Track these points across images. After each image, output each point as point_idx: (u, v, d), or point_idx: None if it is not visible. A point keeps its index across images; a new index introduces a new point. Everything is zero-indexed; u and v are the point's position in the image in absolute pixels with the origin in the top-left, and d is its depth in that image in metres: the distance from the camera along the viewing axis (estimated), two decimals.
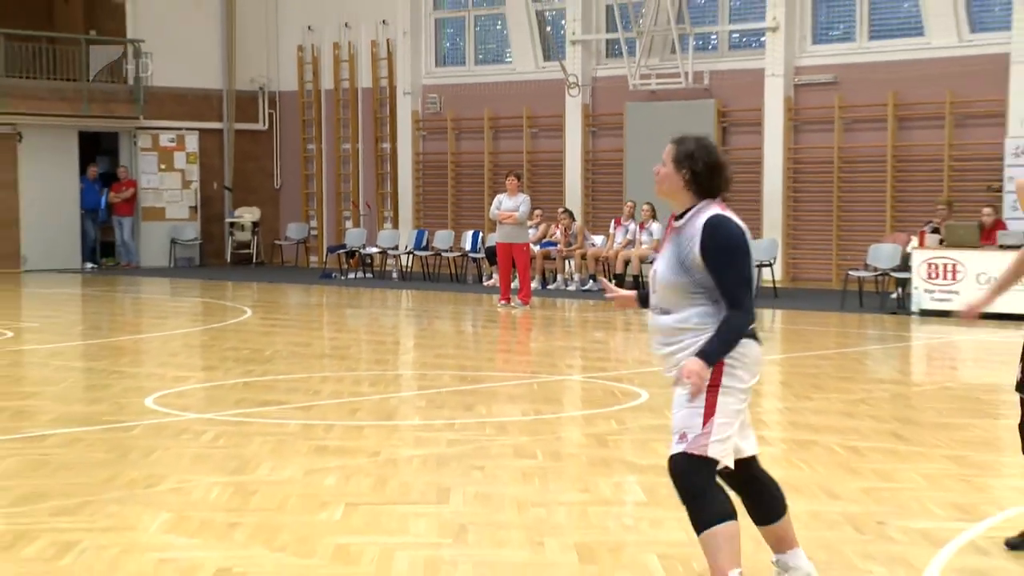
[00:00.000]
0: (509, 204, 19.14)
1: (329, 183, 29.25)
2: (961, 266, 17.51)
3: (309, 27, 29.08)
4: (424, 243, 25.73)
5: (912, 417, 10.15)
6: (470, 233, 25.18)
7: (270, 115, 29.97)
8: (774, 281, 21.10)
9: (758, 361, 5.19)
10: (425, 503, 7.09)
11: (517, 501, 7.10)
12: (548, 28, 26.16)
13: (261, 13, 29.49)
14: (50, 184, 27.14)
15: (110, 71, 27.94)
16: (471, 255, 24.73)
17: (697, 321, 5.06)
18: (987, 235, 17.88)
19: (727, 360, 5.04)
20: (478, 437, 9.05)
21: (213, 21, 29.07)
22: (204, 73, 28.93)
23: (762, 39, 23.21)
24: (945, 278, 17.62)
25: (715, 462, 5.05)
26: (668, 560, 5.78)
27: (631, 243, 21.80)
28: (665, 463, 5.12)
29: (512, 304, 19.14)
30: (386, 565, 5.89)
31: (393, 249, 25.70)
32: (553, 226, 23.12)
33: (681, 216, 5.14)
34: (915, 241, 18.36)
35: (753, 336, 5.14)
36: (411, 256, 25.71)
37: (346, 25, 28.57)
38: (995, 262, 17.18)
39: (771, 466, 8.31)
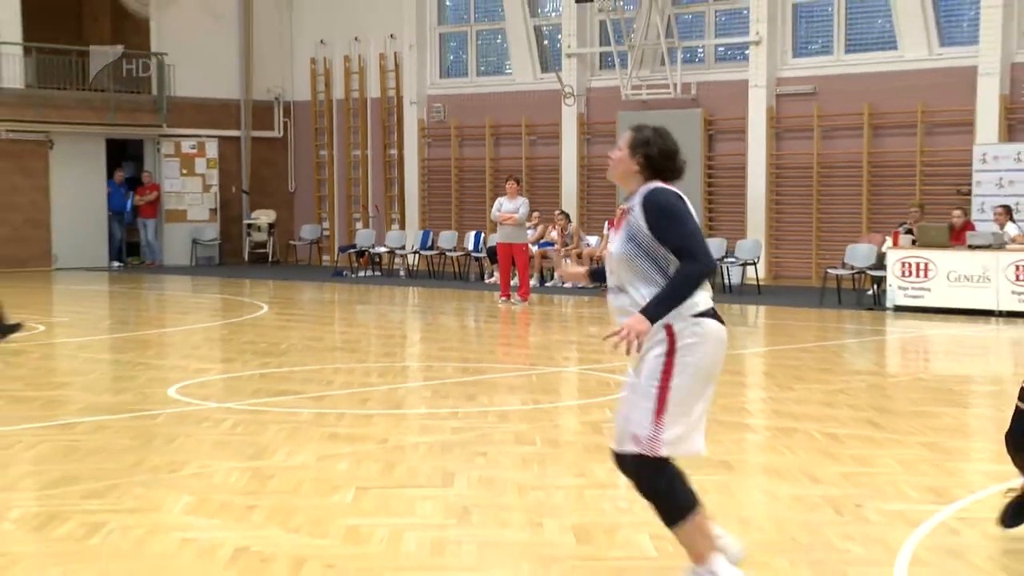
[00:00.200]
0: (509, 206, 19.12)
1: (340, 187, 29.24)
2: (932, 265, 17.50)
3: (322, 41, 29.06)
4: (429, 243, 25.74)
5: (888, 406, 10.13)
6: (472, 234, 25.15)
7: (285, 123, 29.94)
8: (758, 279, 21.10)
9: (720, 340, 4.88)
10: (431, 487, 7.07)
11: (518, 485, 7.08)
12: (545, 42, 26.16)
13: (276, 28, 29.47)
14: (79, 188, 27.13)
15: (136, 82, 27.89)
16: (473, 254, 24.69)
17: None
18: (956, 236, 17.88)
19: (678, 347, 4.79)
20: (480, 425, 9.03)
21: (232, 35, 29.05)
22: (223, 84, 28.91)
23: (746, 52, 23.18)
24: (918, 276, 17.61)
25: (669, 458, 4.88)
26: (660, 540, 5.76)
27: None
28: None
29: (512, 300, 19.12)
30: (395, 545, 5.87)
31: (400, 249, 25.66)
32: (550, 227, 23.10)
33: (629, 199, 5.00)
34: (889, 241, 18.36)
35: (713, 314, 4.87)
36: (417, 255, 25.69)
37: (356, 39, 28.54)
38: (964, 261, 17.24)
39: (756, 453, 8.38)
